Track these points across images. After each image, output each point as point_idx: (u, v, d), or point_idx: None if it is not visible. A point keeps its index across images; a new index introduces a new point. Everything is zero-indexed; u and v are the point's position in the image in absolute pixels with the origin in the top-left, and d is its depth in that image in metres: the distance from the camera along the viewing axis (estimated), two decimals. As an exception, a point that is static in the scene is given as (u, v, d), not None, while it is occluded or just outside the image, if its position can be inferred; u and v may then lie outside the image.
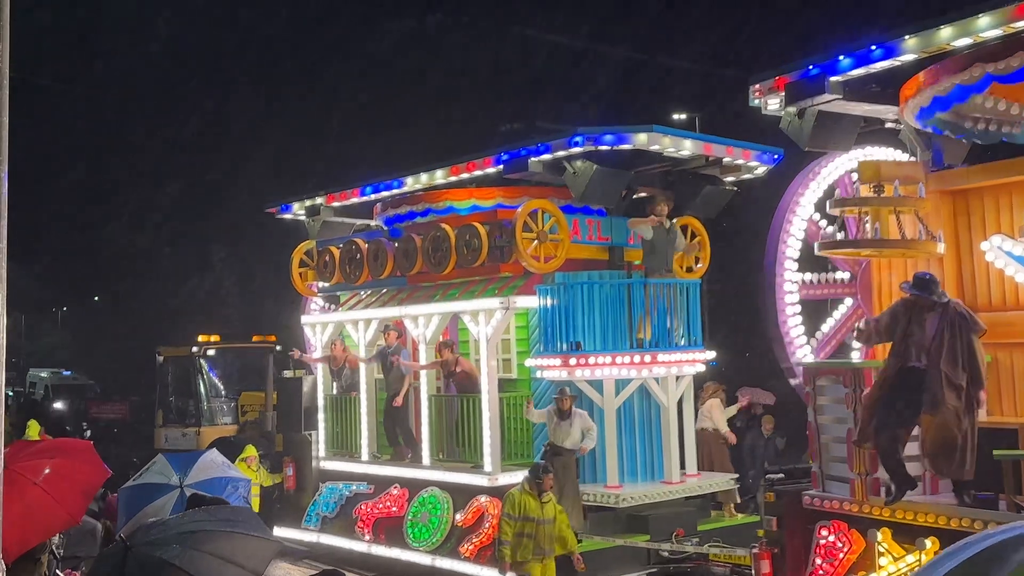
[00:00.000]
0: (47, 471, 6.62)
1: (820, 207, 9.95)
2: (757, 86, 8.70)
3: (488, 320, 11.84)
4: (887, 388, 7.50)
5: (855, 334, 8.63)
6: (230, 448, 17.00)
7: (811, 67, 8.28)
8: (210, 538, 4.05)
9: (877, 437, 7.48)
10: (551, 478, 9.68)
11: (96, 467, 7.26)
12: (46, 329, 50.71)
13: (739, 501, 12.97)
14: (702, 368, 12.04)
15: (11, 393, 29.89)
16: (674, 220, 12.13)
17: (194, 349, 18.80)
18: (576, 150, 11.08)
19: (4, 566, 5.23)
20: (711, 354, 12.13)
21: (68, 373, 38.38)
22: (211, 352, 19.04)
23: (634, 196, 12.76)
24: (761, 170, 12.43)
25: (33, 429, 17.60)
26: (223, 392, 19.25)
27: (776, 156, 12.13)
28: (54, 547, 6.92)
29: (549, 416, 11.18)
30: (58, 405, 25.73)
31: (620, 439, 11.75)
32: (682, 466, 12.05)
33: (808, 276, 10.18)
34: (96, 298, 52.27)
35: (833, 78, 8.17)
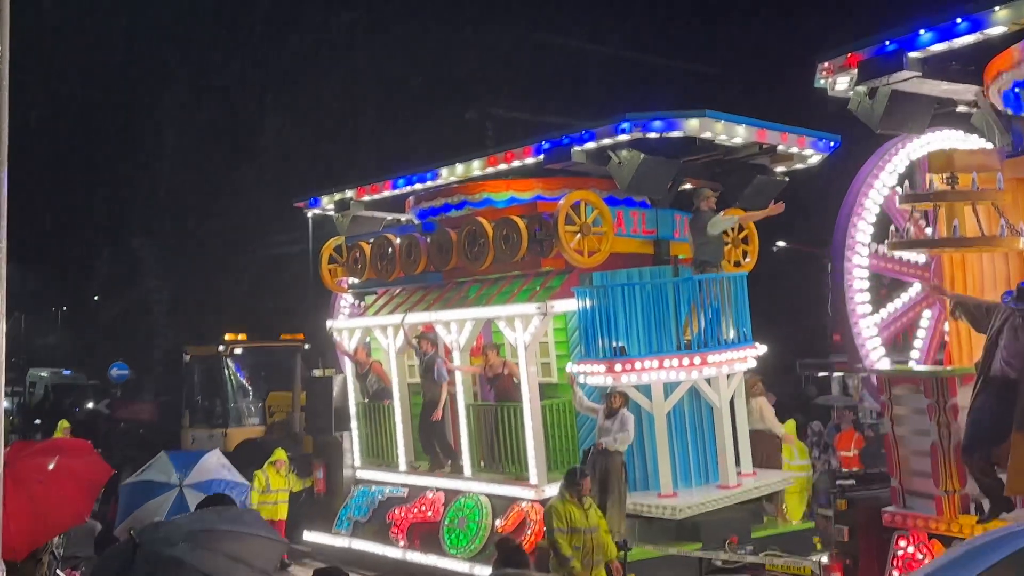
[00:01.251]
0: (51, 468, 6.64)
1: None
2: (826, 64, 8.10)
3: (525, 326, 11.29)
4: (981, 399, 6.90)
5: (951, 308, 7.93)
6: (257, 451, 16.58)
7: (887, 42, 7.68)
8: (219, 537, 4.11)
9: (972, 453, 6.89)
10: (588, 482, 9.16)
11: (98, 465, 7.36)
12: (45, 329, 50.77)
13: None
14: (753, 364, 11.46)
15: (35, 394, 29.76)
16: (720, 212, 11.54)
17: (221, 348, 18.38)
18: (623, 138, 10.52)
19: (3, 566, 5.20)
20: (762, 349, 11.55)
21: (68, 373, 38.25)
22: (238, 351, 18.61)
23: (679, 188, 12.16)
24: (815, 159, 11.83)
25: (60, 430, 17.25)
26: (250, 392, 18.83)
27: (832, 144, 11.52)
28: (54, 547, 6.90)
29: (598, 414, 10.65)
30: (91, 406, 25.48)
31: (672, 444, 11.17)
32: (736, 464, 11.48)
33: (882, 248, 9.43)
34: (96, 298, 52.39)
35: (912, 54, 7.57)
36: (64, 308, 55.84)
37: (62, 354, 46.83)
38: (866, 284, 9.59)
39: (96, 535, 8.40)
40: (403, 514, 12.83)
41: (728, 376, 11.23)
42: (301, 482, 14.60)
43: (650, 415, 11.03)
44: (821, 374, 23.63)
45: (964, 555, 2.95)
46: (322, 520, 14.12)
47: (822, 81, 8.48)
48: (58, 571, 7.08)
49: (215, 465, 8.15)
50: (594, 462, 10.47)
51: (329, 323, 14.55)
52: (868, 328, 9.56)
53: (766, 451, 12.72)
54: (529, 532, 11.12)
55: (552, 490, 11.06)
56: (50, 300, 52.53)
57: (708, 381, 11.12)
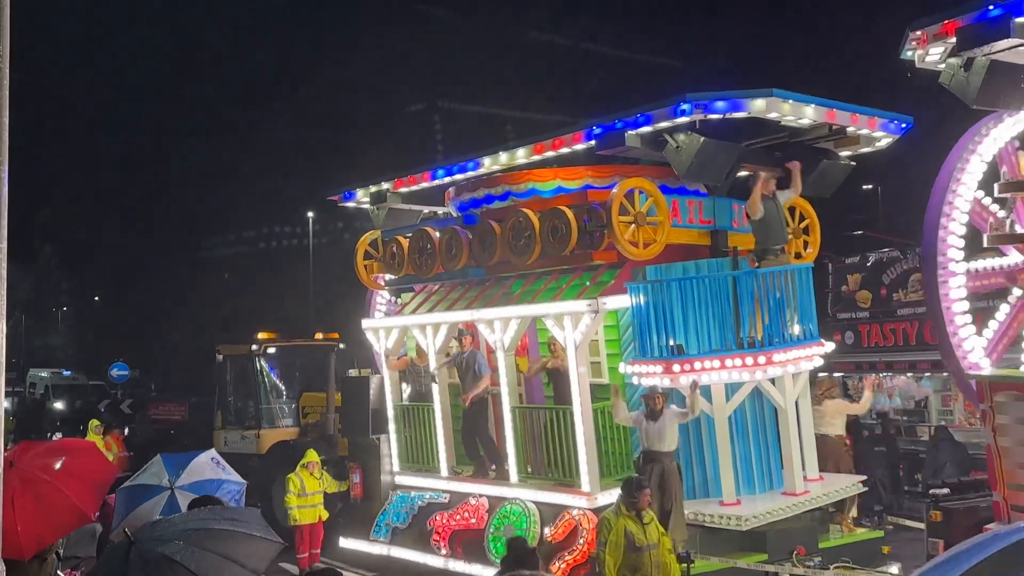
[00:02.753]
0: (58, 467, 6.72)
1: (985, 185, 8.52)
2: (919, 33, 7.36)
3: (575, 324, 10.60)
4: None
5: None
6: (291, 453, 16.00)
7: (991, 7, 6.91)
8: (213, 536, 4.16)
9: None
10: (648, 494, 8.41)
11: (104, 464, 7.49)
12: (45, 329, 51.00)
13: (856, 514, 11.64)
14: (820, 362, 10.71)
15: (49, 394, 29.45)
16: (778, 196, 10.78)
17: (253, 348, 17.84)
18: (681, 120, 9.80)
19: (3, 565, 5.22)
20: (829, 346, 10.79)
21: (68, 373, 38.18)
22: (271, 350, 18.05)
23: (736, 175, 11.41)
24: (885, 142, 11.04)
25: (92, 427, 16.82)
26: (284, 393, 18.28)
27: (904, 125, 10.73)
28: (58, 547, 6.90)
29: (639, 418, 9.93)
30: (125, 408, 25.23)
31: (733, 448, 10.45)
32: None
33: (978, 265, 8.72)
34: (96, 298, 52.58)
35: (1020, 19, 6.80)
36: (64, 308, 56.12)
37: (64, 354, 47.03)
38: (961, 282, 8.79)
39: (98, 536, 8.13)
40: (445, 521, 12.20)
41: (794, 376, 10.48)
42: (337, 484, 14.04)
43: (710, 418, 10.31)
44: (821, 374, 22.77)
45: (952, 556, 3.03)
46: (359, 526, 13.54)
47: (910, 52, 7.74)
48: (59, 571, 7.04)
49: (206, 465, 8.15)
50: (647, 468, 9.79)
51: (365, 322, 13.94)
52: (965, 329, 8.77)
53: (835, 456, 11.97)
54: (581, 542, 10.45)
55: (606, 498, 10.50)
56: (50, 300, 52.79)
57: (772, 381, 10.39)
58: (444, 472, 12.59)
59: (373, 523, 13.22)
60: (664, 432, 9.70)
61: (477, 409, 12.16)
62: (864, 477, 11.44)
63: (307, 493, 13.28)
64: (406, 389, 13.93)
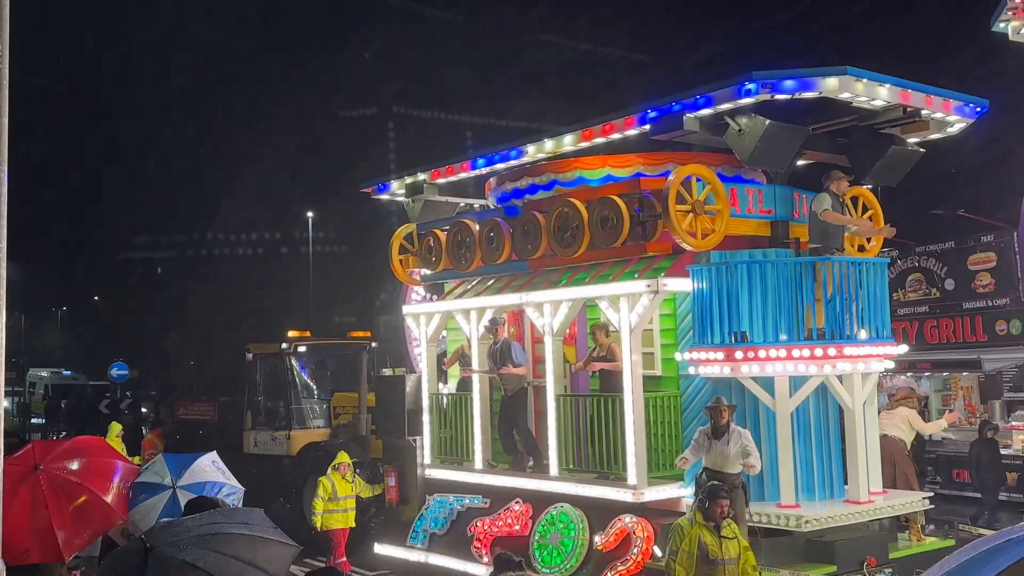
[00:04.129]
0: (81, 467, 6.81)
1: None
2: (1018, 2, 6.68)
3: (632, 306, 10.00)
4: None
5: None
6: (322, 454, 15.53)
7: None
8: (230, 541, 4.15)
9: None
10: (724, 504, 7.67)
11: (123, 460, 7.65)
12: (45, 329, 51.08)
13: (924, 522, 10.96)
14: (891, 365, 10.04)
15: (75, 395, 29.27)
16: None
17: (283, 346, 17.35)
18: (745, 101, 9.16)
19: (3, 565, 5.23)
20: (902, 348, 10.12)
21: (68, 373, 38.05)
22: (302, 349, 17.56)
23: (798, 162, 10.75)
24: (957, 127, 10.35)
25: (113, 432, 16.41)
26: (315, 393, 17.78)
27: (979, 109, 10.04)
28: None
29: (699, 440, 9.17)
30: (144, 411, 25.03)
31: (794, 449, 9.79)
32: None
33: None
34: (96, 298, 52.70)
35: None
36: (64, 308, 56.24)
37: (64, 354, 47.06)
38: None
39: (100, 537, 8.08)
40: (486, 527, 11.62)
41: (863, 376, 9.82)
42: (371, 488, 13.51)
43: (770, 413, 9.65)
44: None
45: (966, 562, 2.95)
46: (395, 532, 13.00)
47: (1002, 24, 7.07)
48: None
49: (208, 467, 8.23)
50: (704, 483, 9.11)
51: (405, 308, 13.40)
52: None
53: (894, 457, 11.30)
54: (636, 551, 9.84)
55: (653, 494, 10.01)
56: (50, 300, 53.00)
57: (840, 379, 9.73)
58: (479, 465, 12.01)
59: (410, 528, 12.67)
60: (727, 452, 8.98)
61: (516, 400, 11.64)
62: (931, 494, 10.74)
63: (338, 497, 12.80)
64: (445, 387, 13.43)
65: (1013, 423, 17.37)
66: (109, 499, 6.99)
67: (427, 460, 12.81)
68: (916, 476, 11.49)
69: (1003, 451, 15.79)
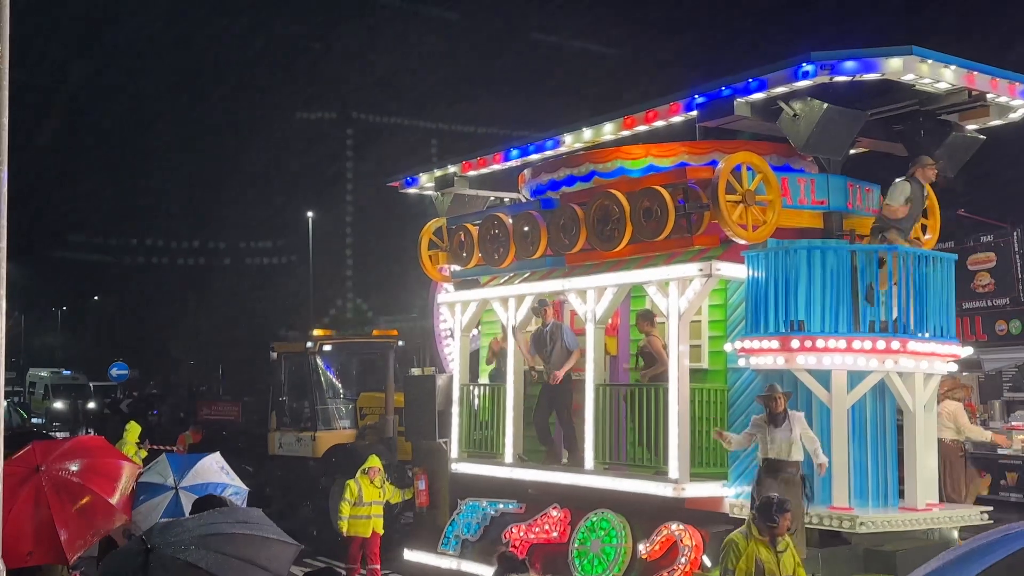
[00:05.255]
0: (83, 468, 6.79)
1: None
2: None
3: (682, 291, 9.52)
4: None
5: None
6: (349, 456, 15.14)
7: None
8: (232, 541, 4.14)
9: None
10: (789, 518, 7.22)
11: (124, 459, 7.67)
12: (45, 329, 51.24)
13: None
14: (954, 368, 9.48)
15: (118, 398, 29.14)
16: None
17: (308, 345, 16.95)
18: (802, 84, 8.63)
19: (3, 566, 5.25)
20: (966, 350, 9.56)
21: (68, 373, 37.99)
22: (327, 348, 17.14)
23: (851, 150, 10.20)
24: (1021, 112, 9.78)
25: (132, 433, 16.05)
26: (341, 393, 17.36)
27: (1046, 92, 9.46)
28: None
29: (756, 428, 8.74)
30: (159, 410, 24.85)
31: (848, 450, 9.25)
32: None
33: None
34: (96, 297, 52.82)
35: None
36: (64, 308, 56.36)
37: (64, 354, 47.13)
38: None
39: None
40: (522, 533, 11.14)
41: (926, 376, 9.26)
42: (400, 493, 13.08)
43: (824, 409, 9.10)
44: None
45: (959, 557, 3.05)
46: (426, 537, 12.54)
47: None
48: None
49: (212, 468, 8.20)
50: (767, 481, 8.61)
51: (441, 296, 12.91)
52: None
53: (949, 462, 10.70)
54: (683, 560, 9.33)
55: (695, 490, 9.54)
56: (50, 300, 53.18)
57: (901, 378, 9.19)
58: (509, 459, 11.54)
59: (441, 534, 12.21)
60: (790, 439, 8.48)
61: (562, 388, 11.15)
62: (990, 508, 10.15)
63: (363, 502, 12.41)
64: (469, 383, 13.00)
65: (1013, 423, 16.79)
66: (112, 499, 6.98)
67: (454, 454, 12.33)
68: (974, 484, 10.86)
69: (1001, 451, 15.11)
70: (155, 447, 15.39)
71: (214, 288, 42.99)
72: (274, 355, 17.54)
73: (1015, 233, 16.81)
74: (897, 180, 9.41)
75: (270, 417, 17.36)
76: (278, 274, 42.29)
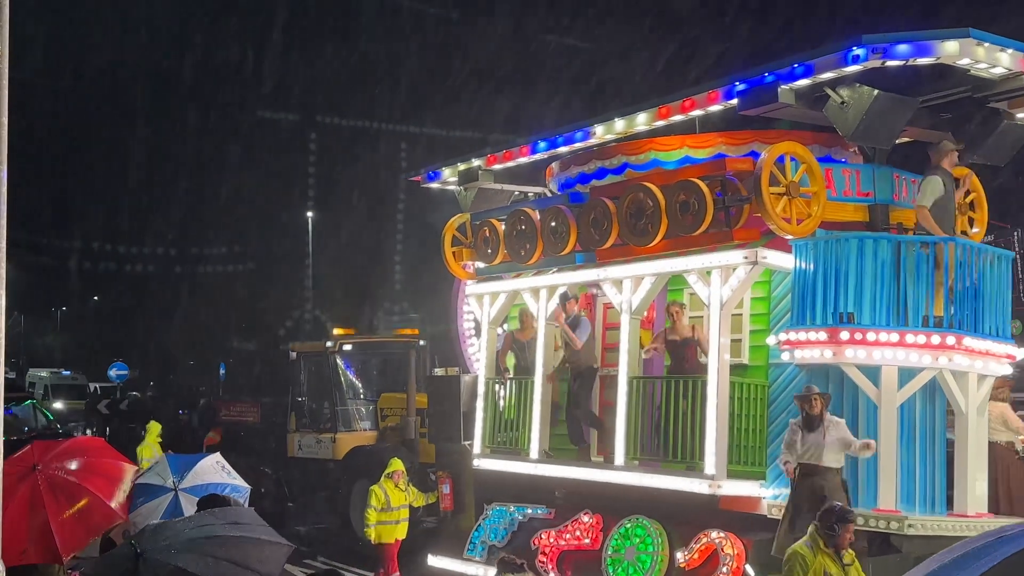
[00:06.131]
0: (80, 467, 6.85)
1: None
2: None
3: (725, 279, 9.15)
4: None
5: None
6: (370, 459, 14.79)
7: None
8: (222, 543, 4.17)
9: None
10: (851, 530, 6.84)
11: (122, 459, 7.73)
12: (44, 328, 51.27)
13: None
14: (1009, 369, 9.04)
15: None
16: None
17: (328, 345, 16.60)
18: (851, 69, 8.20)
19: (3, 567, 5.21)
20: (1023, 352, 9.12)
21: (67, 373, 37.95)
22: (347, 348, 16.78)
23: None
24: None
25: (153, 433, 15.76)
26: (361, 393, 17.00)
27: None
28: None
29: (791, 433, 8.30)
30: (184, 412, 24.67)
31: (898, 450, 8.81)
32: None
33: None
34: (95, 298, 52.88)
35: None
36: (64, 308, 56.42)
37: (64, 354, 47.14)
38: None
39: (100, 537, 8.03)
40: (552, 540, 10.76)
41: (980, 377, 8.82)
42: (424, 496, 12.70)
43: (871, 407, 8.67)
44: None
45: (955, 560, 3.00)
46: (450, 543, 12.17)
47: None
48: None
49: (212, 468, 8.16)
50: (803, 484, 8.21)
51: (469, 287, 12.52)
52: None
53: (1003, 467, 10.20)
54: (724, 570, 8.93)
55: (731, 488, 9.19)
56: (50, 300, 53.26)
57: (955, 377, 8.75)
58: (534, 454, 11.16)
59: (467, 539, 11.84)
60: (824, 446, 8.07)
61: (583, 378, 10.92)
62: None
63: (392, 508, 12.02)
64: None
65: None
66: (108, 500, 7.00)
67: (476, 449, 11.95)
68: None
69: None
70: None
71: (214, 289, 42.91)
72: (293, 355, 17.23)
73: (1015, 233, 16.48)
74: (925, 177, 8.99)
75: (289, 419, 17.05)
76: (281, 272, 42.11)
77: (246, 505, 7.72)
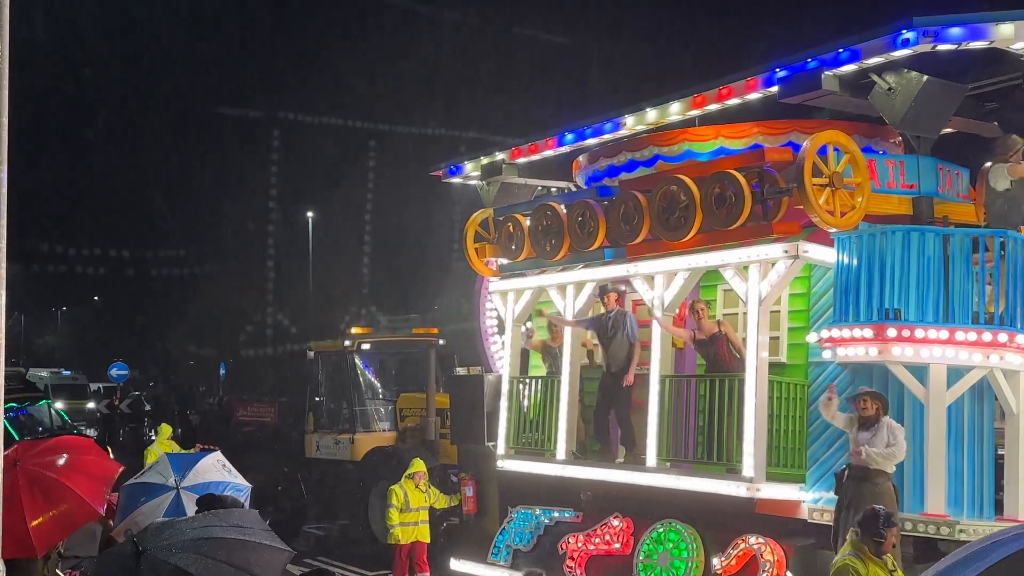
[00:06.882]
0: (62, 464, 6.89)
1: None
2: None
3: (764, 274, 8.81)
4: None
5: None
6: (389, 460, 14.53)
7: None
8: (223, 546, 4.18)
9: None
10: (896, 533, 6.56)
11: (106, 459, 7.79)
12: (45, 329, 51.25)
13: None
14: (1061, 370, 8.65)
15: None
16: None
17: (347, 344, 16.30)
18: (900, 53, 7.84)
19: (3, 566, 5.23)
20: None
21: (67, 373, 37.90)
22: (366, 347, 16.48)
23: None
24: None
25: (163, 434, 15.52)
26: (380, 394, 16.70)
27: None
28: (61, 547, 7.08)
29: (849, 423, 8.04)
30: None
31: (948, 452, 8.45)
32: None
33: None
34: (96, 298, 52.86)
35: None
36: (64, 308, 56.41)
37: (63, 354, 47.05)
38: None
39: (100, 535, 8.05)
40: (580, 544, 10.42)
41: (1032, 376, 8.45)
42: (447, 498, 12.41)
43: (918, 407, 8.31)
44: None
45: (950, 566, 3.09)
46: (473, 547, 11.86)
47: None
48: (58, 571, 7.26)
49: (213, 467, 8.14)
50: (849, 486, 7.88)
51: (493, 284, 12.20)
52: None
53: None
54: (764, 576, 8.57)
55: (770, 491, 8.84)
56: (50, 300, 53.25)
57: (1005, 375, 8.38)
58: (560, 455, 10.83)
59: (491, 543, 11.52)
60: (880, 443, 7.74)
61: (622, 385, 10.48)
62: None
63: (411, 508, 11.78)
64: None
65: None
66: (87, 497, 6.95)
67: (500, 451, 11.63)
68: None
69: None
70: (205, 447, 14.93)
71: (214, 289, 42.81)
72: (311, 355, 16.95)
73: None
74: (993, 165, 8.62)
75: (307, 419, 16.77)
76: (282, 272, 42.01)
77: (247, 504, 7.67)
